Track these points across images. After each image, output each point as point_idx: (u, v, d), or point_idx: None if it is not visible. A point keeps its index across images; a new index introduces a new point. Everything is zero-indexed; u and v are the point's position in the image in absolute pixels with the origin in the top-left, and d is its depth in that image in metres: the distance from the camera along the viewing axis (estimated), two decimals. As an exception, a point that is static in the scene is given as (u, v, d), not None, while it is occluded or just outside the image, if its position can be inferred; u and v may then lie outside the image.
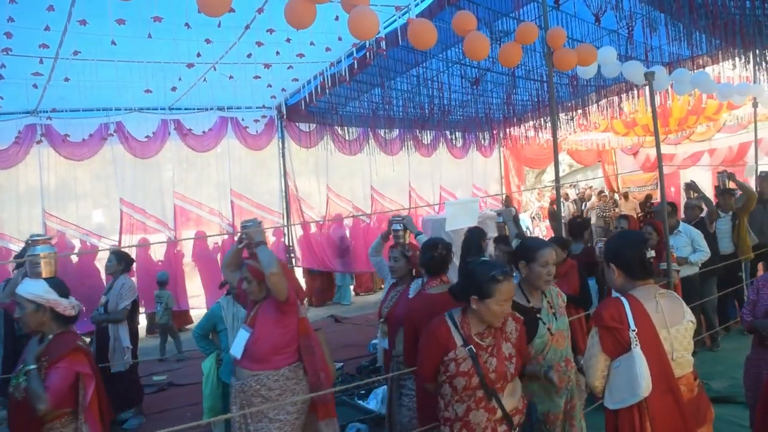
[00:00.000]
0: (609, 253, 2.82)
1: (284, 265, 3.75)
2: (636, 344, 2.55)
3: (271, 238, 10.89)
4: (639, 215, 12.28)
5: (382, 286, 12.36)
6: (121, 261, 5.99)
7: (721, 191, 7.84)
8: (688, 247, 6.71)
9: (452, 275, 4.06)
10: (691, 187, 8.09)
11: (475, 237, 5.42)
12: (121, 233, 9.47)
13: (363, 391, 6.13)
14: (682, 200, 11.50)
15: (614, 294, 2.81)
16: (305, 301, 11.79)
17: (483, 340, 2.78)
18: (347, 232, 11.91)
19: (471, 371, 2.70)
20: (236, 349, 3.67)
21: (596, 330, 2.67)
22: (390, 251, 4.46)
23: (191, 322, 10.47)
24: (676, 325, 2.66)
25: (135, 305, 6.08)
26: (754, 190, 7.75)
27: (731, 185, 7.80)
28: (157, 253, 10.00)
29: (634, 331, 2.57)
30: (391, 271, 4.43)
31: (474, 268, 2.85)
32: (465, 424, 2.72)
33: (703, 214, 7.70)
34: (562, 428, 3.25)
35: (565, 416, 3.26)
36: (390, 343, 4.18)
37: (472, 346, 2.74)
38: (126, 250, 7.46)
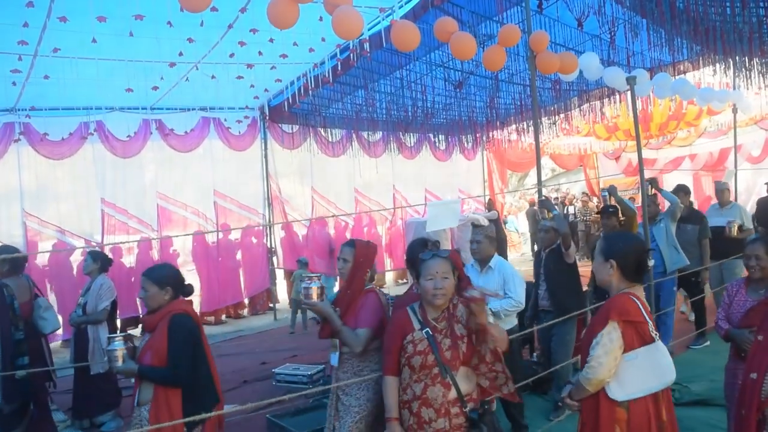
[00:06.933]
0: (612, 250, 2.82)
1: None
2: (657, 336, 2.70)
3: (252, 239, 10.85)
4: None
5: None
6: (96, 260, 5.88)
7: (603, 210, 6.53)
8: (500, 290, 4.76)
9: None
10: (544, 204, 5.82)
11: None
12: (103, 234, 9.36)
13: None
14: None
15: (619, 291, 2.81)
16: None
17: (438, 324, 3.02)
18: (332, 232, 11.87)
19: (427, 350, 2.94)
20: None
21: (616, 325, 2.67)
22: None
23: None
24: None
25: (114, 305, 6.00)
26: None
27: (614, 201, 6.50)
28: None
29: (650, 324, 2.70)
30: None
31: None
32: (423, 401, 2.91)
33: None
34: None
35: None
36: None
37: (429, 328, 3.00)
38: (106, 250, 7.37)
